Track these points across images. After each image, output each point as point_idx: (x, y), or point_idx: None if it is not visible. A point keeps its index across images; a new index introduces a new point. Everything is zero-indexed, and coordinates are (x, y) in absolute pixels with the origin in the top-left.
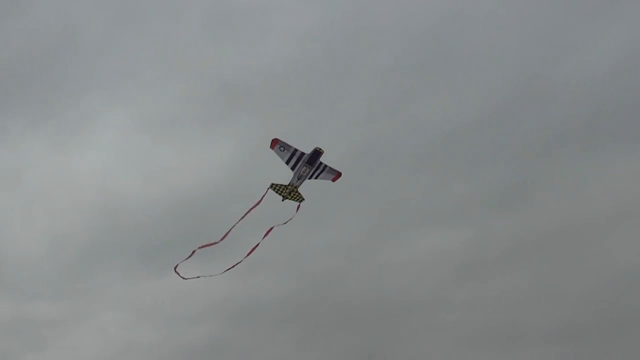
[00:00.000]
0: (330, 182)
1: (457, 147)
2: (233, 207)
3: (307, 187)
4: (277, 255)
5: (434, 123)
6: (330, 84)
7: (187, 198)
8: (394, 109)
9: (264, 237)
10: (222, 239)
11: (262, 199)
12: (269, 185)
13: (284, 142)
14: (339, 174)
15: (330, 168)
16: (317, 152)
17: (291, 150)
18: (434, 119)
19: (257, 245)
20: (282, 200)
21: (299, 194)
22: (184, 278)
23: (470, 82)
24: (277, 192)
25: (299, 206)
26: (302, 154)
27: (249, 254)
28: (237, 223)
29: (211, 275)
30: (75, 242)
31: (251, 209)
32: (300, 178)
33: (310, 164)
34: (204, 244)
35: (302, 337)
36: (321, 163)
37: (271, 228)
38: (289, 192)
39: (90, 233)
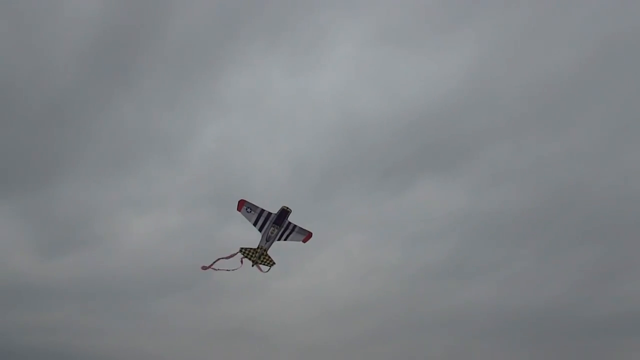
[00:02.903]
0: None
1: None
2: (473, 118)
3: None
4: (516, 167)
5: None
6: None
7: (425, 111)
8: None
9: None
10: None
11: (231, 256)
12: (238, 250)
13: (250, 203)
14: (309, 234)
15: (300, 228)
16: (284, 212)
17: (258, 211)
18: None
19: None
20: (252, 265)
21: (269, 257)
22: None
23: None
24: (246, 256)
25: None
26: (269, 214)
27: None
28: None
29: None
30: (316, 164)
31: (225, 257)
32: (269, 240)
33: (278, 224)
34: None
35: (544, 250)
36: (290, 223)
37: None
38: (258, 255)
39: (330, 154)
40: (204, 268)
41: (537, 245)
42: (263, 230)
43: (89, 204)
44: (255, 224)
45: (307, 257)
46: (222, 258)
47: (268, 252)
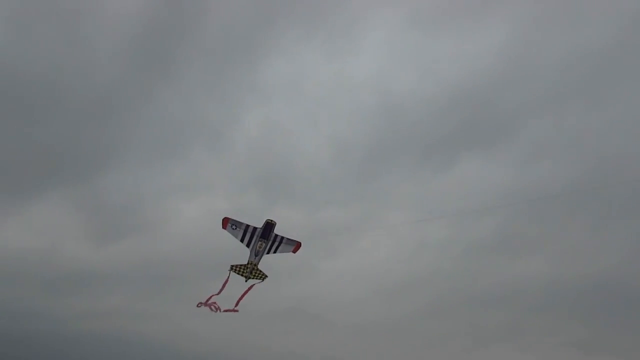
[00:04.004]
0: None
1: None
2: (512, 94)
3: None
4: (558, 141)
5: None
6: None
7: (463, 89)
8: None
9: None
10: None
11: (225, 284)
12: (229, 268)
13: (235, 220)
14: (298, 244)
15: (288, 239)
16: (269, 224)
17: (243, 227)
18: None
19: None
20: (246, 280)
21: (260, 271)
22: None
23: None
24: (238, 273)
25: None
26: (255, 228)
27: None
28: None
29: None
30: (358, 145)
31: (218, 293)
32: (257, 254)
33: (264, 237)
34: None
35: (594, 223)
36: (277, 236)
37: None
38: (250, 271)
39: (371, 135)
40: (199, 305)
41: (585, 217)
42: (251, 246)
43: (139, 191)
44: (242, 240)
45: (354, 237)
46: (215, 294)
47: (258, 267)
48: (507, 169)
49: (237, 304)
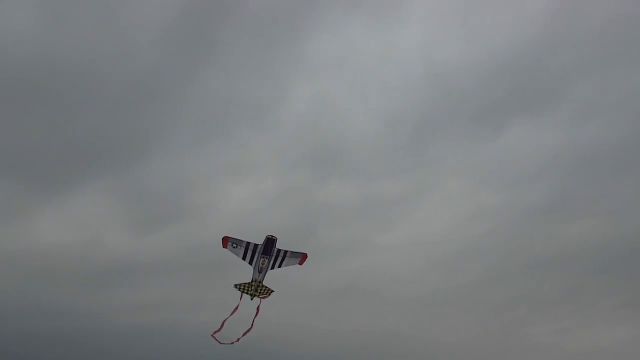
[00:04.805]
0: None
1: None
2: (558, 57)
3: None
4: (605, 101)
5: None
6: None
7: (510, 54)
8: None
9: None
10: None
11: (238, 306)
12: (234, 286)
13: (234, 239)
14: (304, 256)
15: (292, 252)
16: (270, 240)
17: (244, 245)
18: None
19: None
20: (251, 299)
21: (266, 287)
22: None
23: None
24: (242, 291)
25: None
26: (256, 245)
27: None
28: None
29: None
30: (408, 116)
31: (229, 316)
32: (261, 271)
33: (266, 254)
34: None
35: None
36: (279, 250)
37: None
38: (255, 288)
39: (421, 105)
40: (215, 333)
41: (637, 176)
42: (253, 263)
43: (184, 175)
44: (244, 258)
45: (408, 209)
46: (227, 318)
47: (263, 283)
48: (557, 132)
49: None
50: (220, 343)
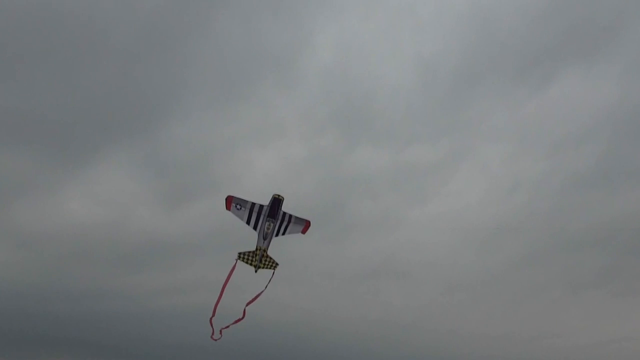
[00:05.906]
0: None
1: None
2: None
3: None
4: None
5: None
6: None
7: None
8: None
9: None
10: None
11: (231, 272)
12: (236, 256)
13: (239, 199)
14: (307, 223)
15: (297, 218)
16: (277, 200)
17: (248, 206)
18: None
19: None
20: (256, 270)
21: (271, 258)
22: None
23: None
24: (246, 261)
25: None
26: (261, 206)
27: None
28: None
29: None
30: (446, 64)
31: (225, 285)
32: (266, 237)
33: (272, 216)
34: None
35: None
36: (285, 213)
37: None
38: (259, 258)
39: (460, 51)
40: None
41: None
42: (258, 227)
43: (205, 142)
44: (248, 222)
45: (442, 180)
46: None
47: (268, 252)
48: (613, 82)
49: (246, 308)
50: (213, 339)
